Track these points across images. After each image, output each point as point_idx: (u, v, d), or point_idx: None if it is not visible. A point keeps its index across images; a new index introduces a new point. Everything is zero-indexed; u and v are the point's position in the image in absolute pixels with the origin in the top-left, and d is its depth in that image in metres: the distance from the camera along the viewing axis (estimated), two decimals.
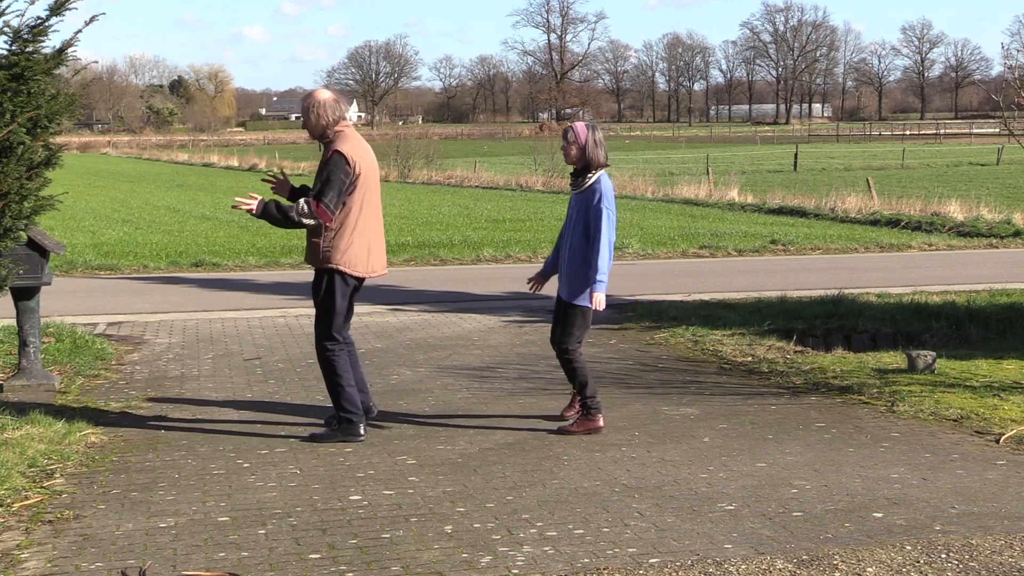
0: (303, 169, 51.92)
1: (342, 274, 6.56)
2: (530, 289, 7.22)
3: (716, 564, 4.60)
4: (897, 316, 10.79)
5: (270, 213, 6.43)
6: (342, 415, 6.69)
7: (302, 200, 6.45)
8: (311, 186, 6.66)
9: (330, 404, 7.02)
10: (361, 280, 6.70)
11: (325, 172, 6.44)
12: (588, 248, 6.63)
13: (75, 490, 5.71)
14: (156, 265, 16.01)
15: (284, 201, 6.62)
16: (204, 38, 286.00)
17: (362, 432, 6.65)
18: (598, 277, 6.57)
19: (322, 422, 7.10)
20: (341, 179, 6.42)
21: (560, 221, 23.30)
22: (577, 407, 6.97)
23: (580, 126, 6.84)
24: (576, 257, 6.68)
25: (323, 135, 6.59)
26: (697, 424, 7.02)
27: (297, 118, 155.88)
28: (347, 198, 6.48)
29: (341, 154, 6.45)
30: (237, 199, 6.48)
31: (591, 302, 6.62)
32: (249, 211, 6.44)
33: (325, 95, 6.64)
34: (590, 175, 6.75)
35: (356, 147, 6.54)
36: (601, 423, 6.82)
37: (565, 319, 6.79)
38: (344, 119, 6.62)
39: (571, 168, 6.91)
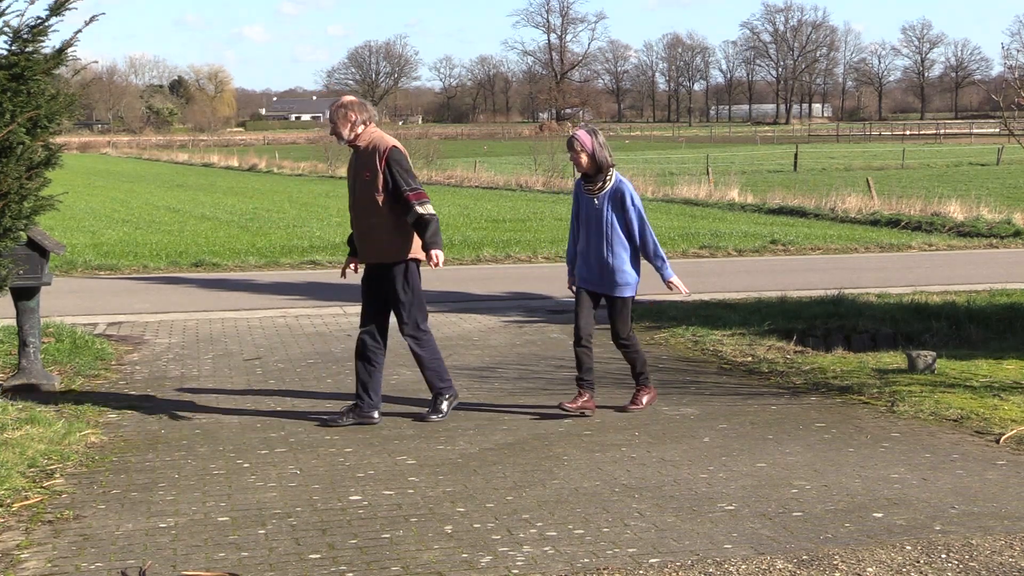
0: (303, 169, 52.03)
1: (417, 262, 6.95)
2: (571, 289, 7.48)
3: (716, 564, 4.60)
4: (897, 316, 10.79)
5: (437, 236, 6.81)
6: (441, 387, 7.12)
7: (415, 209, 6.76)
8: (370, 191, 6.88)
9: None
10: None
11: (394, 167, 6.79)
12: (634, 246, 7.07)
13: (75, 490, 5.71)
14: (156, 265, 16.01)
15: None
16: (204, 38, 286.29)
17: (453, 394, 7.19)
18: (665, 266, 7.11)
19: (320, 422, 7.10)
20: (410, 167, 6.90)
21: (560, 221, 23.30)
22: (642, 398, 7.37)
23: (582, 134, 7.03)
24: (616, 254, 7.04)
25: (355, 136, 6.88)
26: (697, 424, 7.02)
27: (297, 118, 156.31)
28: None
29: (399, 148, 6.88)
30: (436, 264, 6.82)
31: (673, 287, 7.17)
32: (443, 259, 6.88)
33: (350, 98, 7.02)
34: (607, 177, 7.04)
35: (398, 142, 6.95)
36: (654, 393, 7.44)
37: (618, 314, 7.18)
38: (373, 121, 6.95)
39: (571, 169, 7.10)
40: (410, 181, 6.80)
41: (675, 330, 10.39)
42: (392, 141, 6.88)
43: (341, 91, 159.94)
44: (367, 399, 7.07)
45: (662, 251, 7.15)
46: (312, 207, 29.21)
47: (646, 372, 7.38)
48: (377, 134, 6.89)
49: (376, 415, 7.08)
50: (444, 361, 7.22)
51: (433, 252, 6.77)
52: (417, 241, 6.85)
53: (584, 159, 6.97)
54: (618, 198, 7.00)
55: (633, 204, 7.01)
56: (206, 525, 5.15)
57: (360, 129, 6.88)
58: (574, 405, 7.14)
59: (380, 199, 6.78)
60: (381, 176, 6.78)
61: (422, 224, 6.76)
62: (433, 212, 6.81)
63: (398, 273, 6.90)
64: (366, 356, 7.08)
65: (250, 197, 34.34)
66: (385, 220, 6.81)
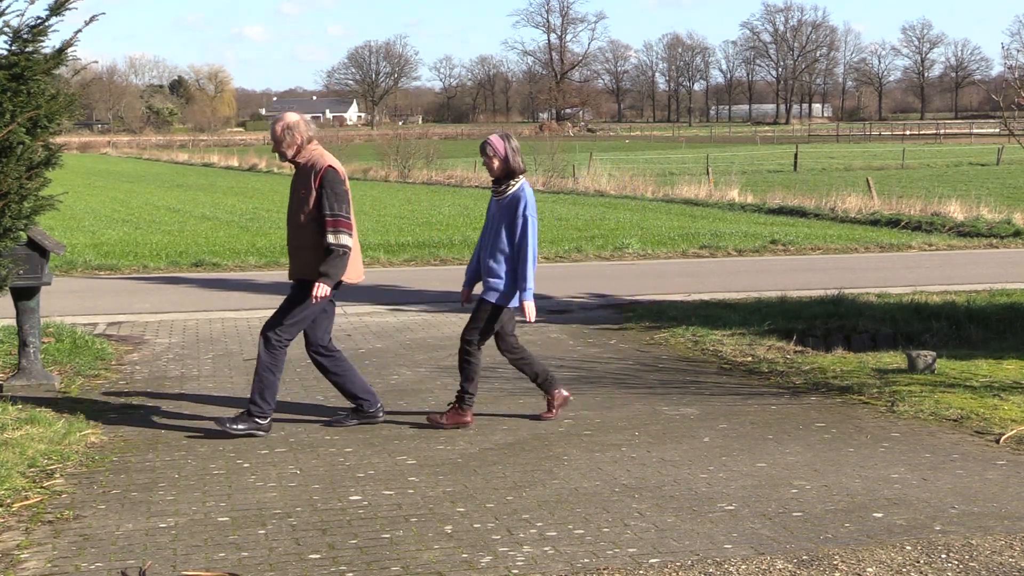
0: None
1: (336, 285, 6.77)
2: (464, 305, 7.46)
3: (716, 564, 4.60)
4: (897, 316, 10.79)
5: (338, 271, 6.68)
6: (259, 406, 6.79)
7: (327, 237, 6.64)
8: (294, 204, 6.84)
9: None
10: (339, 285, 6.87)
11: (325, 188, 6.68)
12: (513, 255, 6.95)
13: (75, 490, 5.71)
14: (156, 265, 16.00)
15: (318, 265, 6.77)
16: (204, 38, 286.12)
17: (266, 427, 6.83)
18: (527, 286, 6.90)
19: (319, 422, 7.11)
20: (344, 191, 6.73)
21: (560, 221, 23.33)
22: (555, 407, 7.21)
23: (495, 139, 7.10)
24: (500, 261, 6.96)
25: (297, 155, 6.82)
26: (697, 424, 7.02)
27: None
28: None
29: (335, 170, 6.76)
30: (317, 297, 6.66)
31: (523, 312, 6.93)
32: (327, 294, 6.68)
33: (295, 116, 6.93)
34: (512, 182, 7.02)
35: (338, 163, 6.87)
36: (469, 419, 7.04)
37: (477, 313, 7.05)
38: (315, 140, 6.90)
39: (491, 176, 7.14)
40: (335, 205, 6.65)
41: (675, 330, 10.38)
42: (330, 162, 6.77)
43: (341, 91, 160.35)
44: (363, 400, 7.07)
45: (531, 272, 6.92)
46: None
47: (471, 395, 7.03)
48: (317, 152, 6.82)
49: (380, 413, 7.08)
50: (277, 390, 6.89)
51: (318, 283, 6.61)
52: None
53: (496, 163, 6.99)
54: (513, 205, 6.94)
55: (523, 213, 6.91)
56: (206, 525, 5.15)
57: (302, 148, 6.82)
58: (550, 415, 7.19)
59: (310, 218, 6.71)
60: (313, 195, 6.71)
61: (327, 252, 6.64)
62: (345, 244, 6.64)
63: (303, 288, 6.79)
64: (326, 371, 7.08)
65: (250, 197, 34.35)
66: (312, 239, 6.71)
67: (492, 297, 6.97)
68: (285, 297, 6.96)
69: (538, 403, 7.64)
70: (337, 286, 6.79)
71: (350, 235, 6.67)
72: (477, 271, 7.21)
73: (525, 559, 4.68)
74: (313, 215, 6.70)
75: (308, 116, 7.05)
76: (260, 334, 6.90)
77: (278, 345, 6.81)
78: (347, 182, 6.83)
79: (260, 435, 6.79)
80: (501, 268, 6.96)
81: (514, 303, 7.02)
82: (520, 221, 6.92)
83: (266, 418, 6.83)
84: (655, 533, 4.99)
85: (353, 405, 7.12)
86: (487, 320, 7.01)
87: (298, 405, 7.66)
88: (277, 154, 6.94)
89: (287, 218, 6.96)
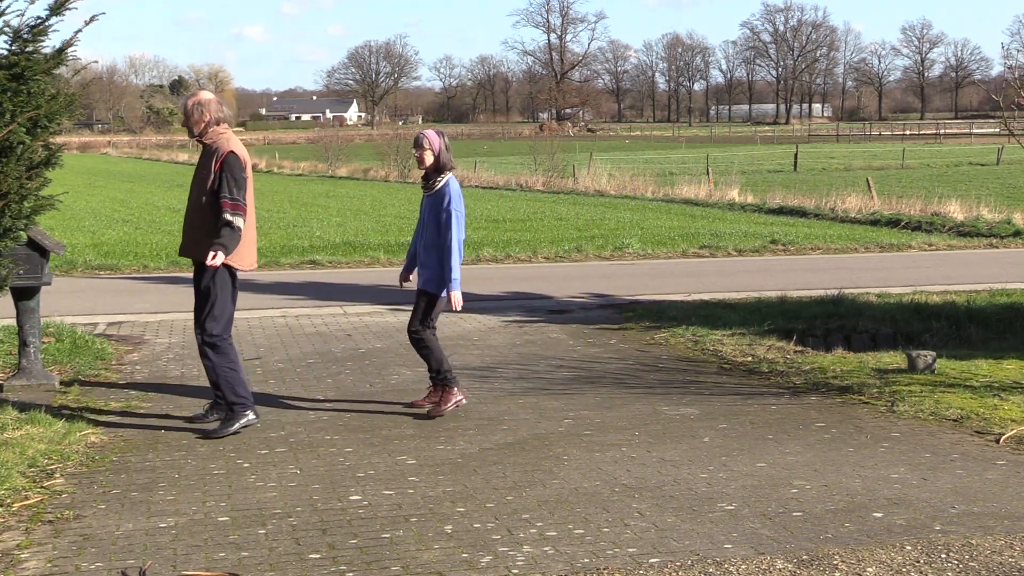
0: (303, 169, 52.02)
1: (231, 269, 6.84)
2: (402, 287, 7.84)
3: (716, 564, 4.60)
4: (897, 316, 10.79)
5: (230, 244, 6.66)
6: (236, 401, 6.84)
7: (224, 214, 6.64)
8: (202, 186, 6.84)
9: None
10: (236, 273, 6.95)
11: (225, 172, 6.70)
12: (441, 247, 7.23)
13: (75, 490, 5.71)
14: (156, 265, 16.00)
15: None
16: (204, 38, 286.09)
17: (254, 416, 6.90)
18: (452, 277, 7.20)
19: (319, 422, 7.10)
20: (242, 177, 6.74)
21: (560, 221, 23.34)
22: (436, 394, 7.44)
23: (431, 133, 7.36)
24: (431, 253, 7.28)
25: (202, 133, 6.83)
26: (697, 424, 7.02)
27: (297, 118, 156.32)
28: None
29: (236, 155, 6.76)
30: (210, 263, 6.64)
31: (451, 302, 7.23)
32: (221, 263, 6.63)
33: (209, 95, 6.97)
34: (440, 178, 7.29)
35: (243, 149, 6.88)
36: (461, 396, 7.40)
37: (418, 305, 7.40)
38: (225, 123, 6.91)
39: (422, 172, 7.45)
40: (233, 190, 6.66)
41: (675, 330, 10.38)
42: (233, 147, 6.76)
43: (341, 91, 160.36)
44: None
45: (458, 266, 7.18)
46: (312, 207, 29.23)
47: (449, 371, 7.37)
48: (224, 136, 6.82)
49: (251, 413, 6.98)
50: (245, 377, 6.95)
51: (212, 251, 6.59)
52: (241, 249, 6.77)
53: (429, 157, 7.25)
54: (439, 199, 7.21)
55: (447, 207, 7.15)
56: (206, 525, 5.15)
57: (210, 128, 6.82)
58: (430, 400, 7.42)
59: (207, 199, 6.76)
60: (212, 177, 6.74)
61: (221, 226, 6.63)
62: (238, 224, 6.64)
63: (208, 272, 6.80)
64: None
65: None
66: (207, 219, 6.73)
67: (428, 287, 7.32)
68: (195, 293, 6.90)
69: (538, 403, 7.64)
70: (234, 275, 6.85)
71: (242, 217, 6.67)
72: (414, 259, 7.54)
73: (525, 559, 4.68)
74: (210, 197, 6.72)
75: (221, 100, 7.02)
76: (196, 338, 6.88)
77: (220, 343, 6.83)
78: (248, 169, 6.84)
79: (255, 423, 6.90)
80: (432, 259, 7.29)
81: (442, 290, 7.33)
82: (444, 216, 7.18)
83: (247, 408, 6.87)
84: (655, 533, 4.99)
85: (216, 397, 7.04)
86: (426, 307, 7.36)
87: (298, 405, 7.66)
88: (186, 129, 6.96)
89: (188, 196, 7.00)
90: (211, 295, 6.82)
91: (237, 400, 6.84)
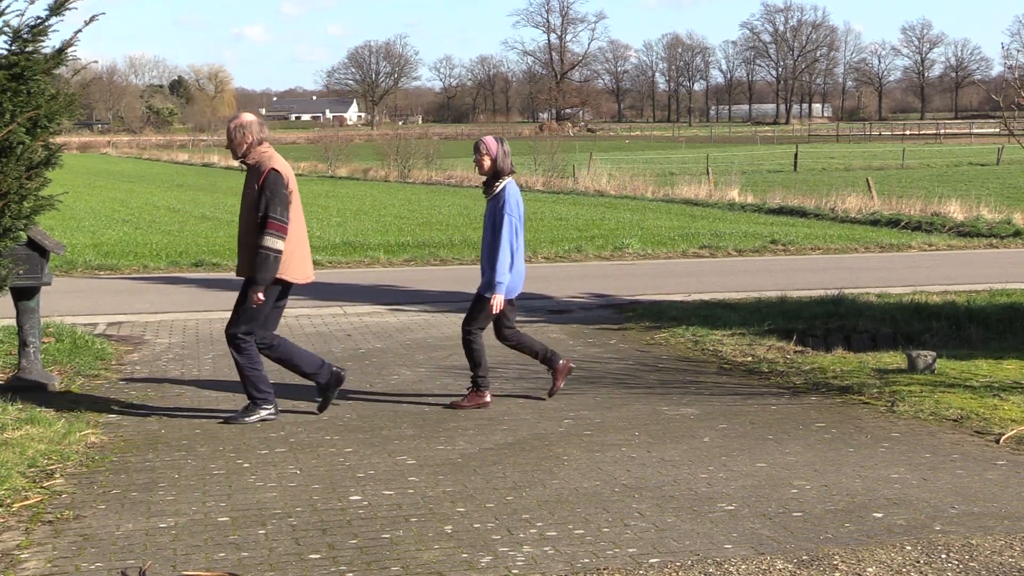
0: (303, 169, 51.95)
1: (283, 283, 7.08)
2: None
3: (716, 564, 4.60)
4: (897, 316, 10.79)
5: (266, 275, 6.89)
6: (258, 396, 7.16)
7: (262, 239, 6.85)
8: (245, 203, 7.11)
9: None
10: (290, 286, 7.19)
11: (267, 190, 6.89)
12: (493, 251, 7.35)
13: (75, 490, 5.71)
14: (156, 265, 16.00)
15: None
16: (204, 38, 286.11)
17: (275, 411, 7.23)
18: (496, 280, 7.30)
19: (319, 422, 7.11)
20: (284, 194, 6.92)
21: (560, 221, 23.35)
22: (559, 377, 7.75)
23: (490, 139, 7.52)
24: (488, 256, 7.41)
25: (246, 154, 7.04)
26: (697, 424, 7.02)
27: (297, 118, 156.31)
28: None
29: (278, 172, 6.94)
30: (253, 301, 6.97)
31: (492, 304, 7.34)
32: (260, 300, 6.95)
33: (251, 117, 7.18)
34: (498, 183, 7.41)
35: (285, 166, 7.05)
36: (488, 399, 7.56)
37: (474, 304, 7.56)
38: (267, 142, 7.10)
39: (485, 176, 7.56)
40: (271, 208, 6.86)
41: (675, 330, 10.38)
42: (274, 164, 6.97)
43: (341, 91, 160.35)
44: (315, 375, 7.34)
45: (506, 270, 7.27)
46: (312, 207, 29.20)
47: (484, 377, 7.53)
48: (267, 155, 7.02)
49: (341, 373, 7.37)
50: (266, 377, 7.23)
51: (252, 290, 6.93)
52: (290, 262, 7.01)
53: (487, 162, 7.39)
54: (497, 204, 7.34)
55: (502, 210, 7.27)
56: (206, 525, 5.15)
57: (253, 149, 7.02)
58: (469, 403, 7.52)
59: (253, 218, 6.98)
60: (256, 195, 6.94)
61: (259, 256, 6.88)
62: (273, 247, 6.86)
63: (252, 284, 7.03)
64: (273, 360, 7.34)
65: None
66: (255, 238, 6.94)
67: (485, 290, 7.43)
68: (238, 295, 7.18)
69: (538, 403, 7.65)
70: (287, 287, 7.13)
71: (282, 238, 6.88)
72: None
73: (525, 559, 4.68)
74: (255, 216, 6.96)
75: (262, 120, 7.26)
76: (225, 336, 7.20)
77: (243, 344, 7.13)
78: (292, 184, 7.01)
79: (272, 419, 7.16)
80: (489, 263, 7.38)
81: (514, 294, 7.49)
82: (498, 218, 7.31)
83: (270, 403, 7.19)
84: (655, 533, 4.99)
85: (314, 384, 7.40)
86: (482, 310, 7.47)
87: (298, 405, 7.65)
88: (230, 151, 7.14)
89: (239, 216, 7.22)
90: (247, 304, 7.04)
91: (258, 395, 7.17)
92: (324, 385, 7.32)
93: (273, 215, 6.86)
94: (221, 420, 7.20)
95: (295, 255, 7.04)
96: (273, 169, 6.93)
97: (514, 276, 7.41)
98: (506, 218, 7.25)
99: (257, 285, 6.90)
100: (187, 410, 7.53)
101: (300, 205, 7.13)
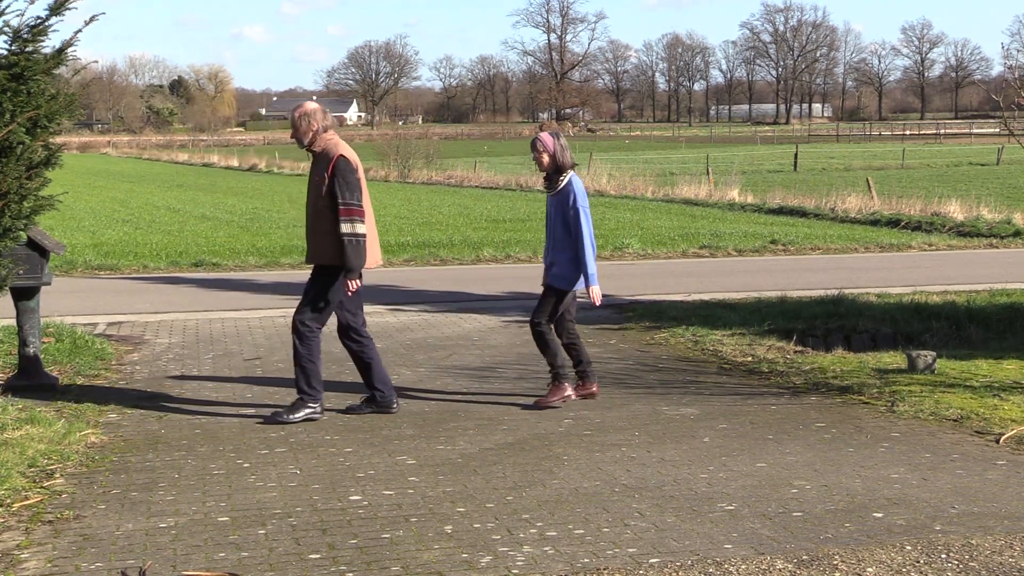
0: (303, 169, 51.91)
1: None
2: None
3: (716, 564, 4.60)
4: (897, 316, 10.79)
5: (358, 260, 6.92)
6: (307, 391, 7.10)
7: (340, 227, 6.87)
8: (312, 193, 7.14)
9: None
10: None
11: (338, 177, 6.90)
12: (573, 245, 7.36)
13: (75, 490, 5.71)
14: (156, 265, 16.00)
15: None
16: (204, 38, 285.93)
17: (321, 411, 7.16)
18: (589, 272, 7.33)
19: (317, 421, 7.12)
20: (355, 179, 6.95)
21: None
22: (572, 393, 7.62)
23: (545, 136, 7.55)
24: (561, 251, 7.43)
25: (312, 142, 7.05)
26: (697, 424, 7.02)
27: None
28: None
29: (346, 158, 6.96)
30: (350, 291, 7.05)
31: (590, 297, 7.36)
32: (358, 286, 7.02)
33: (314, 105, 7.16)
34: (561, 178, 7.44)
35: (352, 153, 7.06)
36: (569, 391, 7.53)
37: (546, 301, 7.52)
38: (332, 129, 7.11)
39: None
40: (346, 194, 6.90)
41: (675, 330, 10.38)
42: (343, 151, 7.00)
43: (341, 91, 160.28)
44: (378, 391, 7.34)
45: (591, 257, 7.31)
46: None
47: (563, 367, 7.50)
48: (333, 142, 7.05)
49: (394, 404, 7.35)
50: (321, 374, 7.17)
51: (345, 280, 6.97)
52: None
53: (546, 159, 7.44)
54: (564, 198, 7.37)
55: (574, 204, 7.31)
56: (206, 525, 5.15)
57: (319, 136, 7.04)
58: (555, 397, 7.51)
59: (324, 205, 7.00)
60: (327, 183, 6.96)
61: (342, 243, 6.91)
62: (358, 232, 6.91)
63: (324, 272, 7.07)
64: (354, 356, 7.38)
65: (250, 197, 34.34)
66: (326, 225, 6.98)
67: (556, 282, 7.47)
68: (307, 282, 7.19)
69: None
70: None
71: (361, 222, 6.91)
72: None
73: (525, 559, 4.68)
74: (327, 203, 6.96)
75: (325, 107, 7.26)
76: (292, 325, 7.13)
77: (308, 334, 7.07)
78: (360, 171, 7.04)
79: (317, 418, 7.12)
80: (562, 256, 7.43)
81: (578, 286, 7.47)
82: (572, 213, 7.33)
83: (317, 402, 7.14)
84: (655, 533, 4.99)
85: (369, 393, 7.39)
86: (553, 303, 7.49)
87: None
88: (295, 140, 7.13)
89: (305, 205, 7.24)
90: (321, 291, 7.06)
91: (307, 392, 7.10)
92: (379, 402, 7.31)
93: (350, 201, 6.88)
94: (260, 420, 7.12)
95: (368, 240, 7.04)
96: (342, 156, 6.94)
97: (574, 268, 7.39)
98: (581, 210, 7.29)
99: (351, 272, 6.91)
100: (187, 410, 7.52)
101: (367, 191, 7.14)
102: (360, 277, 7.04)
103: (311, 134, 7.03)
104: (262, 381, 8.46)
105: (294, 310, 7.21)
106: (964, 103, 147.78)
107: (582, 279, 7.42)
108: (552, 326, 7.54)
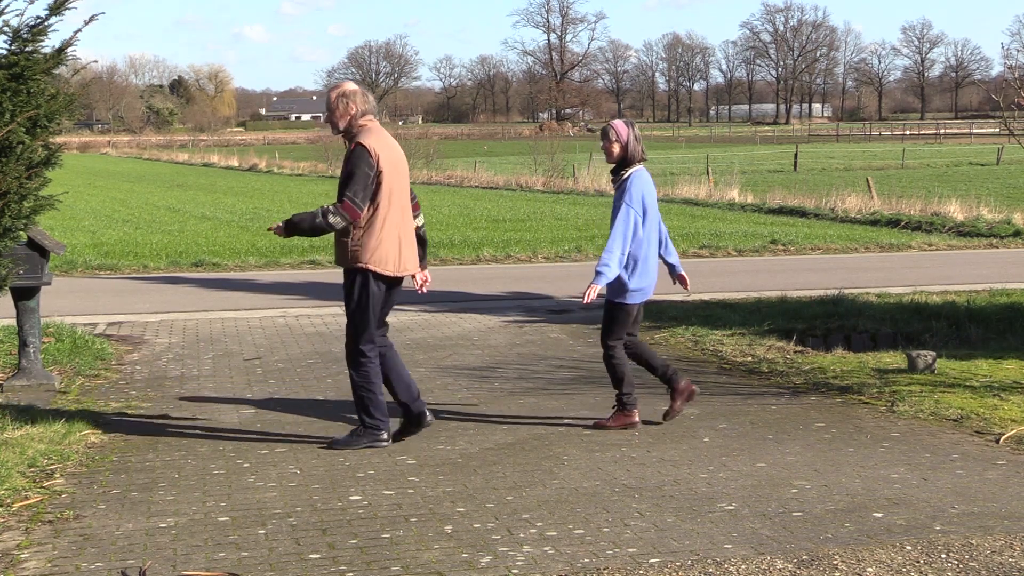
0: (303, 169, 52.03)
1: (373, 273, 6.27)
2: None
3: (716, 564, 4.60)
4: (897, 316, 10.79)
5: (298, 226, 6.22)
6: (368, 422, 6.44)
7: (327, 207, 6.19)
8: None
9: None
10: (395, 280, 6.41)
11: (349, 166, 6.19)
12: (634, 244, 6.79)
13: (75, 490, 5.71)
14: (156, 265, 16.01)
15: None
16: (204, 38, 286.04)
17: (386, 438, 6.48)
18: (598, 267, 6.67)
19: (319, 421, 7.10)
20: (365, 172, 6.14)
21: (560, 221, 23.34)
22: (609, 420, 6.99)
23: (619, 124, 7.02)
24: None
25: (348, 128, 6.31)
26: (697, 424, 7.02)
27: (297, 118, 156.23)
28: (374, 193, 6.21)
29: (364, 147, 6.18)
30: (270, 228, 6.40)
31: (586, 293, 6.59)
32: (278, 232, 6.27)
33: (354, 86, 6.44)
34: (625, 171, 6.88)
35: (380, 141, 6.27)
36: (636, 419, 6.91)
37: (604, 317, 6.94)
38: (370, 115, 6.35)
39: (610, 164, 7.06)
40: (348, 183, 6.13)
41: (675, 330, 10.38)
42: (364, 138, 6.21)
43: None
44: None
45: (612, 258, 6.66)
46: (312, 207, 29.20)
47: (629, 394, 6.88)
48: (364, 128, 6.28)
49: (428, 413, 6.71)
50: (383, 403, 6.45)
51: (272, 225, 6.30)
52: (376, 250, 6.23)
53: (616, 149, 6.87)
54: (621, 192, 6.86)
55: (622, 199, 6.77)
56: (206, 525, 5.15)
57: (356, 121, 6.31)
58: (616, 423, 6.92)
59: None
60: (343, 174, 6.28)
61: (310, 220, 6.19)
62: (331, 223, 6.11)
63: (347, 280, 6.36)
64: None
65: (250, 197, 34.34)
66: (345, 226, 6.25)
67: (612, 296, 6.81)
68: (344, 298, 6.45)
69: (538, 403, 7.64)
70: (380, 281, 6.28)
71: (346, 220, 6.13)
72: None
73: (525, 559, 4.68)
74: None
75: (365, 89, 6.48)
76: (346, 359, 6.48)
77: (359, 360, 6.37)
78: (380, 164, 6.19)
79: (383, 445, 6.43)
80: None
81: (633, 300, 6.82)
82: (616, 207, 6.81)
83: (382, 431, 6.45)
84: (655, 533, 4.98)
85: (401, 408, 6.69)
86: (614, 319, 6.84)
87: (299, 405, 7.65)
88: (329, 125, 6.41)
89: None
90: (350, 304, 6.34)
91: (370, 422, 6.43)
92: (408, 420, 6.62)
93: (350, 194, 6.10)
94: (323, 446, 6.50)
95: (383, 244, 6.23)
96: (359, 143, 6.16)
97: (643, 277, 6.80)
98: (624, 208, 6.70)
99: (289, 223, 6.17)
100: (187, 410, 7.52)
101: (400, 189, 6.32)
102: (399, 284, 6.42)
103: (348, 118, 6.27)
104: (262, 381, 8.46)
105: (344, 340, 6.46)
106: (964, 103, 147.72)
107: (647, 288, 6.84)
108: (621, 346, 6.84)
